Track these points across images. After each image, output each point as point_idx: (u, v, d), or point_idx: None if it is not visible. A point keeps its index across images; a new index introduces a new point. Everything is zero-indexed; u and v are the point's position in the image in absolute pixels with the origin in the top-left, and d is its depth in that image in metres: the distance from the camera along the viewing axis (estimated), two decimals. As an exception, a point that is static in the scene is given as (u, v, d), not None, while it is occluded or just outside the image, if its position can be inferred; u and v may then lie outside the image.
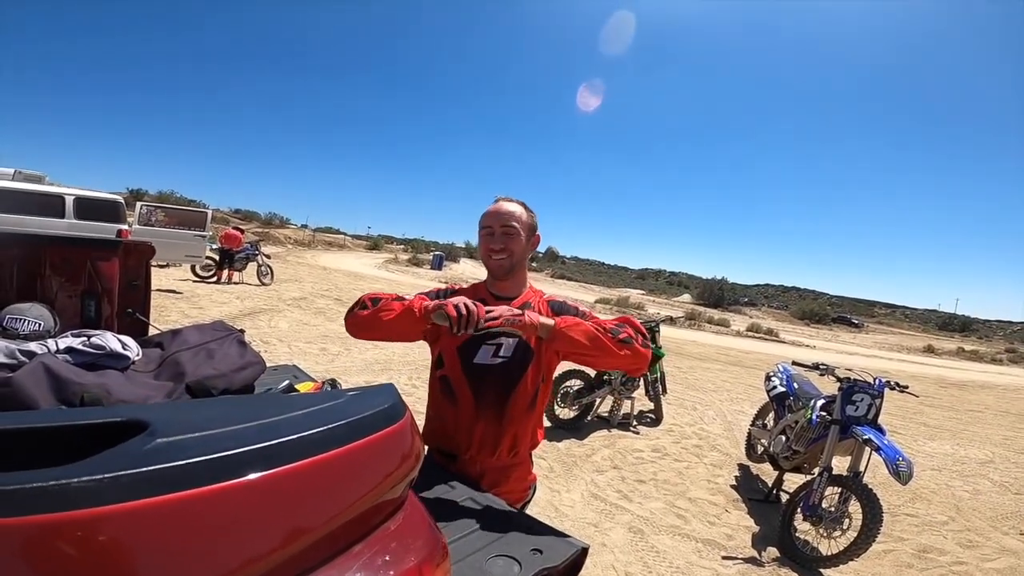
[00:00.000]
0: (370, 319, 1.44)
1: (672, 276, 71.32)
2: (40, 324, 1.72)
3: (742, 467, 4.54)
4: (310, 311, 9.97)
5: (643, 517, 3.38)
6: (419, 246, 59.19)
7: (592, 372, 5.19)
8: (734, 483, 4.18)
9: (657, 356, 5.62)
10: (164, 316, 7.87)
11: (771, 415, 4.33)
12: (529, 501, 1.61)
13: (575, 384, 5.05)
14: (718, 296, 38.59)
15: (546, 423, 4.84)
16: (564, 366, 6.53)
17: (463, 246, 64.96)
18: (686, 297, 44.21)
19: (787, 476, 3.88)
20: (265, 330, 7.70)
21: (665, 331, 15.66)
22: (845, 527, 2.97)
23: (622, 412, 5.36)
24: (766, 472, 4.32)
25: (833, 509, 3.01)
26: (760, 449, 4.38)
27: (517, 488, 1.54)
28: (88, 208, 8.77)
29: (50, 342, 1.58)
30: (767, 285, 69.19)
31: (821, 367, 3.68)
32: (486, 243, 1.49)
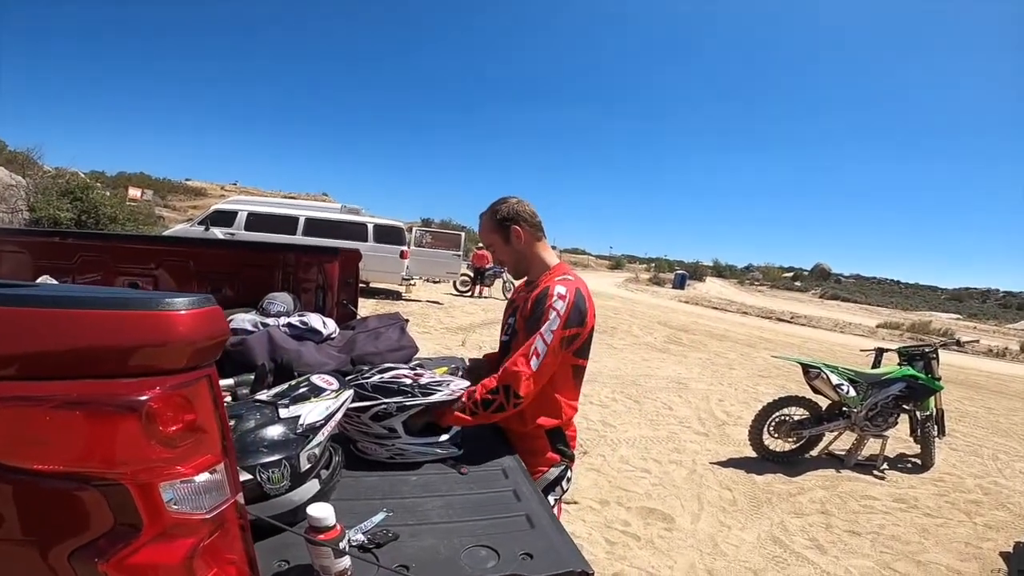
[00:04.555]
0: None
1: (1008, 297, 52.45)
2: (284, 307, 2.41)
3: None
4: (539, 322, 10.81)
5: (830, 575, 2.65)
6: (662, 265, 57.85)
7: (822, 402, 4.33)
8: (1008, 550, 2.96)
9: (932, 389, 4.39)
10: (425, 322, 9.62)
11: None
12: (553, 484, 1.61)
13: (795, 413, 4.28)
14: (1093, 326, 27.08)
15: (751, 453, 4.23)
16: (784, 390, 5.61)
17: (710, 264, 60.87)
18: (1030, 325, 32.21)
19: None
20: (496, 336, 8.68)
21: (971, 362, 11.91)
22: None
23: (864, 452, 4.31)
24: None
25: None
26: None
27: (529, 462, 1.53)
28: (382, 233, 11.52)
29: (283, 319, 2.21)
30: None
31: None
32: None
